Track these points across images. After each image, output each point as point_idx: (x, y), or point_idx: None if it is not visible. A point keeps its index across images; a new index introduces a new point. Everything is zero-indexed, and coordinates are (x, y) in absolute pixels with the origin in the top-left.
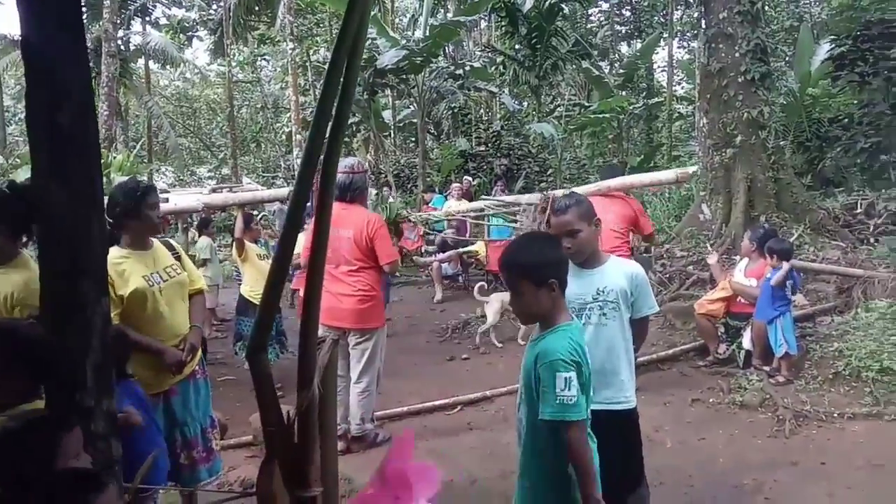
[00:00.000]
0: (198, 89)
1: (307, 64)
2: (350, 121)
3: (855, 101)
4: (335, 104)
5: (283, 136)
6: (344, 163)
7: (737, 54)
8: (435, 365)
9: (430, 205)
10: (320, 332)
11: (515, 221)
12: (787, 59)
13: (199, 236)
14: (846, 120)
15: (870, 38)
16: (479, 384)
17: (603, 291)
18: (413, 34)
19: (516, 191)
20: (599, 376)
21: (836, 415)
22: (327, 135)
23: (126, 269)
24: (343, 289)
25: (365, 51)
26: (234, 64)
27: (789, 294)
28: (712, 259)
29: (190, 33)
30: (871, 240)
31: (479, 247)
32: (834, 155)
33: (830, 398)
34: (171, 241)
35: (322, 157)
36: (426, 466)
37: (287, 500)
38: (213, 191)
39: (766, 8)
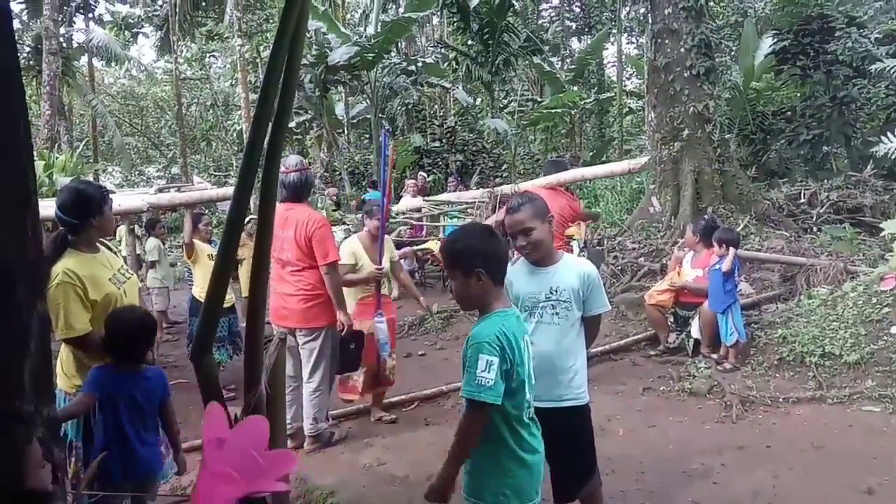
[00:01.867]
0: (144, 87)
1: (257, 60)
2: (302, 118)
3: (797, 94)
4: (276, 100)
5: (235, 134)
6: (287, 161)
7: (682, 49)
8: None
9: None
10: (274, 331)
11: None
12: (731, 53)
13: (148, 237)
14: (789, 112)
15: (810, 32)
16: (436, 380)
17: (556, 291)
18: (365, 30)
19: (471, 186)
20: (551, 374)
21: (780, 399)
22: (269, 132)
23: (95, 272)
24: (288, 289)
25: (316, 47)
26: (181, 61)
27: (738, 283)
28: (680, 254)
29: (135, 30)
30: (814, 229)
31: (433, 244)
32: (777, 147)
33: (775, 383)
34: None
35: (265, 154)
36: (283, 453)
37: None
38: (160, 190)
39: (711, 3)
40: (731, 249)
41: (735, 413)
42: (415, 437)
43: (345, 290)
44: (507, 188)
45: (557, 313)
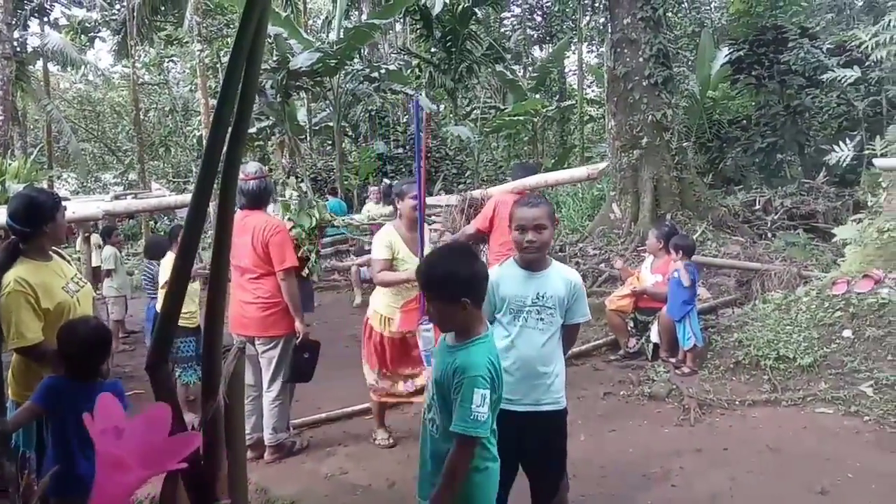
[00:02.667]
0: (101, 92)
1: (217, 65)
2: (264, 124)
3: (752, 103)
4: (235, 106)
5: (194, 140)
6: (247, 168)
7: (641, 59)
8: (355, 369)
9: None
10: (233, 340)
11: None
12: (689, 63)
13: (104, 245)
14: (744, 121)
15: (765, 43)
16: None
17: (542, 297)
18: (327, 36)
19: (434, 193)
20: (531, 378)
21: (737, 402)
22: (227, 139)
23: (47, 280)
24: (246, 296)
25: (278, 53)
26: (139, 66)
27: (697, 291)
28: (618, 264)
29: (92, 34)
30: (769, 234)
31: None
32: (733, 154)
33: (732, 386)
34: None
35: (223, 161)
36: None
37: None
38: (116, 197)
39: (669, 14)
40: (683, 268)
41: (693, 416)
42: (377, 446)
43: (381, 292)
44: (477, 193)
45: (542, 318)
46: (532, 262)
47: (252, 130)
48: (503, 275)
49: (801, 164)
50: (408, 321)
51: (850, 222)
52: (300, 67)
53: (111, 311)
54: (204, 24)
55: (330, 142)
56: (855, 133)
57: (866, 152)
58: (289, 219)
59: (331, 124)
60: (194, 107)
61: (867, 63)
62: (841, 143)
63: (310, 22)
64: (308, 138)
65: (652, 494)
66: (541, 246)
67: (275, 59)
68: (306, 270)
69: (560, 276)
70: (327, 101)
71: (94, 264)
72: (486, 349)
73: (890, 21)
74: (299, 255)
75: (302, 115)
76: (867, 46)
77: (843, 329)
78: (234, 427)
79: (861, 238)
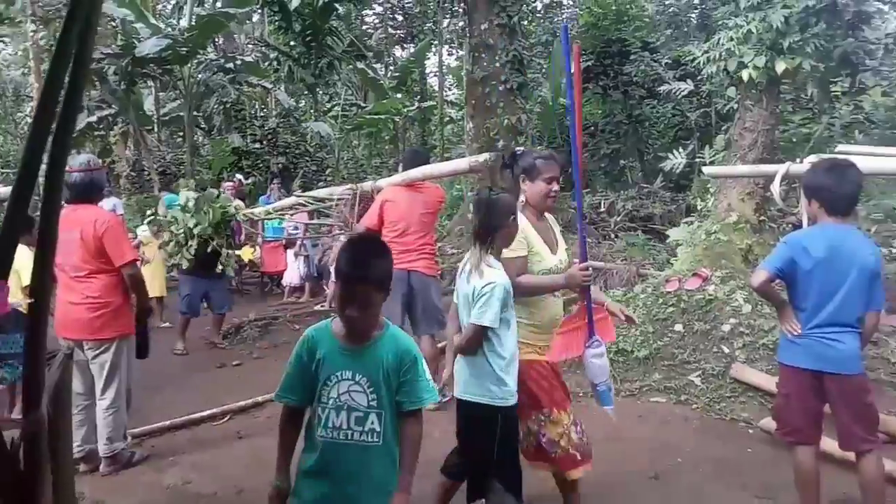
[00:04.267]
0: None
1: (54, 48)
2: (105, 112)
3: (599, 111)
4: (62, 95)
5: (26, 128)
6: (78, 160)
7: (497, 64)
8: (204, 373)
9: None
10: (60, 344)
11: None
12: (542, 70)
13: None
14: (592, 128)
15: (610, 54)
16: (252, 390)
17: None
18: (178, 23)
19: (295, 189)
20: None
21: (580, 394)
22: (55, 128)
23: None
24: (73, 297)
25: (122, 37)
26: None
27: None
28: None
29: None
30: (612, 235)
31: (245, 251)
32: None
33: (577, 380)
34: None
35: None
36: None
37: None
38: None
39: (524, 22)
40: None
41: None
42: (225, 453)
43: (523, 310)
44: (366, 185)
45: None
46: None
47: (93, 119)
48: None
49: (641, 169)
50: (567, 343)
51: (682, 224)
52: (147, 54)
53: None
54: (39, 3)
55: (180, 133)
56: (688, 142)
57: (697, 160)
58: (190, 216)
59: (181, 115)
60: (27, 92)
61: (699, 77)
62: (675, 151)
63: (159, 6)
64: (156, 129)
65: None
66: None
67: (119, 43)
68: (220, 266)
69: (496, 274)
70: (178, 91)
71: None
72: (400, 332)
73: (720, 39)
74: (208, 250)
75: (149, 105)
76: (699, 62)
77: (675, 324)
78: (59, 439)
79: (691, 239)
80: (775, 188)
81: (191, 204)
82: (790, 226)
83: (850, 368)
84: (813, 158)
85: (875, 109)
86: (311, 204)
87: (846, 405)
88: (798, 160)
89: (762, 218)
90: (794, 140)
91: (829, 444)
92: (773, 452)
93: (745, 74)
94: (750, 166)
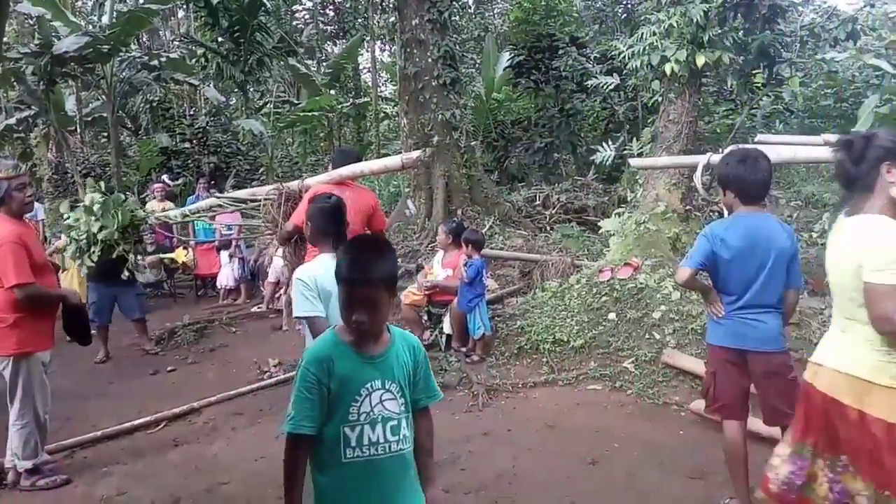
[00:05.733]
0: None
1: None
2: (25, 114)
3: (532, 106)
4: None
5: None
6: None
7: (430, 59)
8: (136, 380)
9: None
10: None
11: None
12: (475, 65)
13: None
14: (525, 122)
15: (540, 49)
16: (188, 396)
17: None
18: (99, 20)
19: (227, 189)
20: None
21: (520, 385)
22: None
23: None
24: None
25: (40, 36)
26: None
27: (486, 283)
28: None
29: None
30: (548, 228)
31: (179, 253)
32: (517, 153)
33: (516, 371)
34: None
35: None
36: None
37: None
38: None
39: (455, 18)
40: (462, 265)
41: (482, 401)
42: (161, 461)
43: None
44: (294, 184)
45: None
46: None
47: (11, 121)
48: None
49: (574, 162)
50: None
51: (613, 216)
52: (66, 52)
53: None
54: None
55: (104, 133)
56: (618, 134)
57: (626, 152)
58: (95, 220)
59: (105, 115)
60: None
61: (625, 71)
62: (605, 143)
63: (78, 3)
64: (79, 130)
65: (442, 479)
66: None
67: (36, 42)
68: (126, 273)
69: None
70: (100, 90)
71: None
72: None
73: (643, 34)
74: (114, 255)
75: (70, 105)
76: (625, 56)
77: (609, 312)
78: None
79: (622, 230)
80: (698, 178)
81: (96, 207)
82: (716, 214)
83: (773, 345)
84: (732, 148)
85: (794, 99)
86: (231, 205)
87: (769, 382)
88: (721, 150)
89: (688, 207)
90: (718, 130)
91: (756, 423)
92: (703, 434)
93: (667, 68)
94: (672, 157)
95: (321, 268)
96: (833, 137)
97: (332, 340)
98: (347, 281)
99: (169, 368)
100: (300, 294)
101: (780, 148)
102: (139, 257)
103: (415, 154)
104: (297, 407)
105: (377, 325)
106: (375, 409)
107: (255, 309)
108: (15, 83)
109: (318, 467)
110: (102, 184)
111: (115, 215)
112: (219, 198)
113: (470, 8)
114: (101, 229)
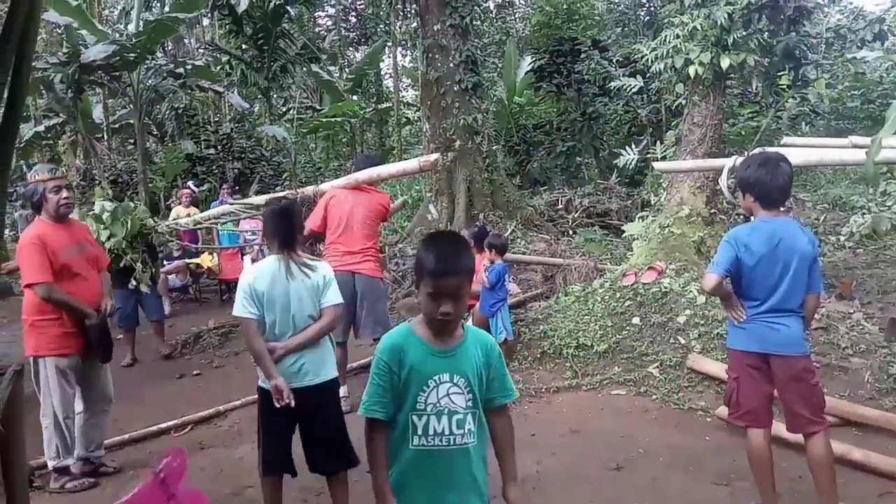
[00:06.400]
0: None
1: None
2: (53, 122)
3: (554, 110)
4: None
5: None
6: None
7: (451, 65)
8: (163, 384)
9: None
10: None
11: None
12: (497, 70)
13: None
14: (547, 126)
15: (562, 53)
16: (213, 400)
17: None
18: (125, 28)
19: (251, 194)
20: None
21: (543, 389)
22: None
23: None
24: None
25: (68, 45)
26: None
27: (508, 288)
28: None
29: None
30: (570, 232)
31: (204, 258)
32: (538, 157)
33: (539, 375)
34: None
35: None
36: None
37: None
38: None
39: (477, 23)
40: (484, 271)
41: None
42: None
43: None
44: (309, 189)
45: None
46: None
47: (40, 129)
48: None
49: (596, 166)
50: None
51: (637, 219)
52: (94, 61)
53: None
54: None
55: (132, 141)
56: (641, 138)
57: (649, 155)
58: (104, 227)
59: (131, 122)
60: None
61: (648, 74)
62: (628, 147)
63: (105, 12)
64: (106, 137)
65: None
66: None
67: (65, 51)
68: (133, 282)
69: None
70: (127, 98)
71: None
72: None
73: (666, 36)
74: (121, 265)
75: (98, 113)
76: (647, 59)
77: (633, 317)
78: (12, 456)
79: (646, 234)
80: (723, 182)
81: (106, 215)
82: (741, 217)
83: (795, 349)
84: (756, 152)
85: (820, 101)
86: (245, 212)
87: (792, 387)
88: (746, 153)
89: (713, 210)
90: (743, 133)
91: (781, 428)
92: (729, 440)
93: (691, 71)
94: (696, 161)
95: (261, 270)
96: (861, 140)
97: (406, 330)
98: (434, 273)
99: (195, 372)
100: (238, 295)
101: (806, 151)
102: (146, 266)
103: (432, 157)
104: (369, 392)
105: (459, 315)
106: (442, 401)
107: None
108: (43, 91)
109: (392, 451)
110: (111, 191)
111: (124, 223)
112: (232, 204)
113: (491, 13)
114: (109, 237)
